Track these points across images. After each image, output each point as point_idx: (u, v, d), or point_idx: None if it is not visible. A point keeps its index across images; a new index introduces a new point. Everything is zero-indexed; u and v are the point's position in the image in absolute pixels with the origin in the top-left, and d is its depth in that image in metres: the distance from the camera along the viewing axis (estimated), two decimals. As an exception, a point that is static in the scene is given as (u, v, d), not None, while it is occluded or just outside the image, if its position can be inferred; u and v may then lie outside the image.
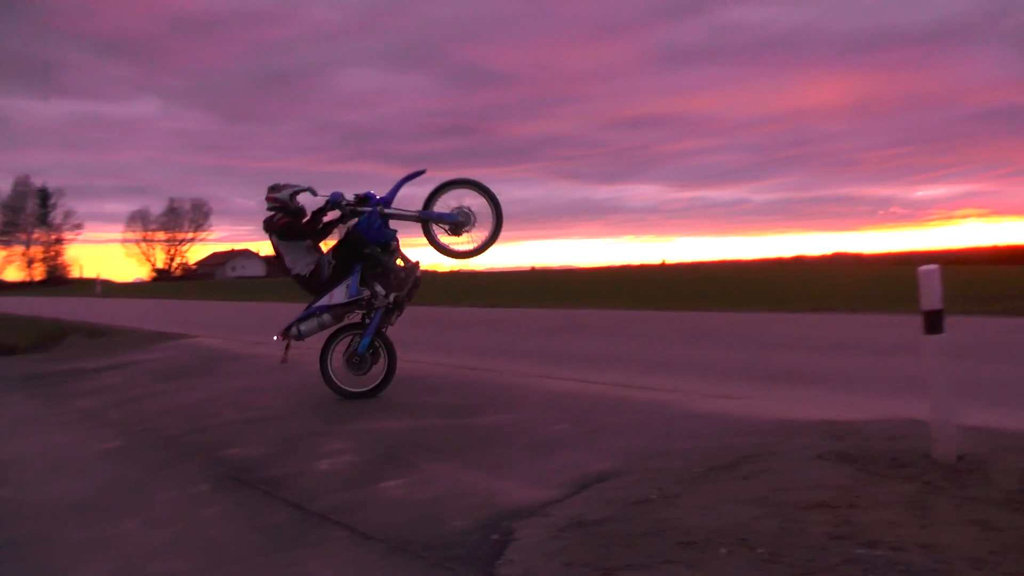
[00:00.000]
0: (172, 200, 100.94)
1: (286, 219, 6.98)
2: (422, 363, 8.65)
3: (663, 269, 63.82)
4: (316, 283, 6.97)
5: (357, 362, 6.83)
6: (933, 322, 3.78)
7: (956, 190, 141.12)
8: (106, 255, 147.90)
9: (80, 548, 4.15)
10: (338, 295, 6.81)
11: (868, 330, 9.87)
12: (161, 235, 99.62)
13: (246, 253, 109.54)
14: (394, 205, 6.98)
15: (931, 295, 3.80)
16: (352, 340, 6.88)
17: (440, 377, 7.61)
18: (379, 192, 6.99)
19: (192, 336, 13.65)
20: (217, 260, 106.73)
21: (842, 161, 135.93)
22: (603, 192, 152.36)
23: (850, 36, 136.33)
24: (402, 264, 7.12)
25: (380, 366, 6.91)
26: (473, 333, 11.99)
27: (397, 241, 7.05)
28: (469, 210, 6.89)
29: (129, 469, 5.68)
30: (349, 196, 6.95)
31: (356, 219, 6.88)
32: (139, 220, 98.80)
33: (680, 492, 3.72)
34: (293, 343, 6.97)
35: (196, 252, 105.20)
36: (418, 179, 7.14)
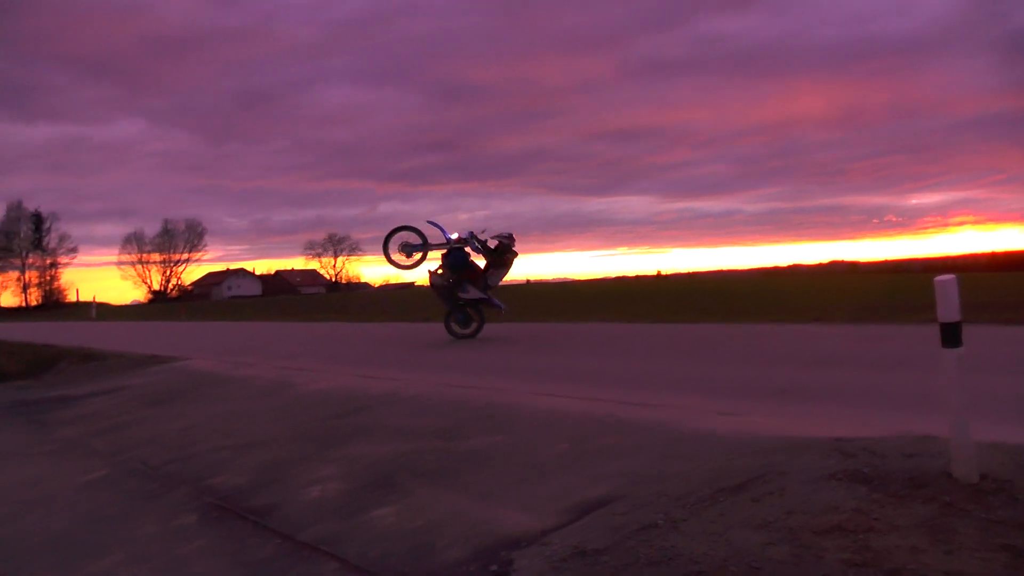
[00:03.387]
0: (166, 221, 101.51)
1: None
2: (411, 382, 8.32)
3: (659, 280, 63.75)
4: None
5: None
6: (951, 335, 3.55)
7: (950, 197, 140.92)
8: (102, 278, 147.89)
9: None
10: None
11: (870, 342, 9.66)
12: (156, 257, 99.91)
13: (241, 272, 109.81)
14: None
15: (948, 306, 3.55)
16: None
17: (430, 397, 7.32)
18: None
19: (183, 359, 13.45)
20: (213, 280, 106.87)
21: (832, 171, 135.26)
22: (593, 204, 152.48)
23: (835, 45, 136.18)
24: None
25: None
26: (464, 350, 11.75)
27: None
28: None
29: (111, 501, 5.50)
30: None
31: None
32: (134, 242, 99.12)
33: (686, 517, 3.51)
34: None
35: (192, 273, 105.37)
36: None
